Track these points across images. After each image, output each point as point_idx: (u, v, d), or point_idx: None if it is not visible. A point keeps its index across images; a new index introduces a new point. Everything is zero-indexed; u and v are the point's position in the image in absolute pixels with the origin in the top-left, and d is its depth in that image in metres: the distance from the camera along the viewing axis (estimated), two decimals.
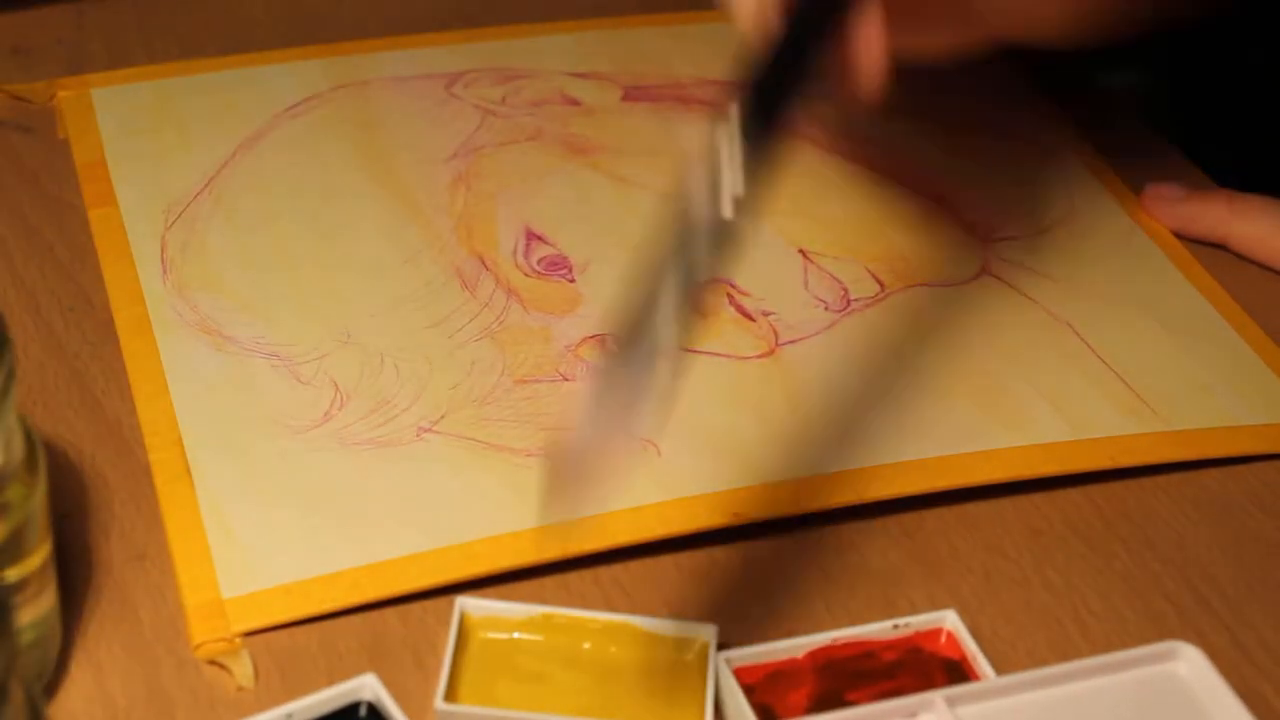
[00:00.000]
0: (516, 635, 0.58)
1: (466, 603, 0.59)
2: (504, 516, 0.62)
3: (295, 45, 0.86)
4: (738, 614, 0.61)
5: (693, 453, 0.65)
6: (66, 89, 0.81)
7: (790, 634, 0.60)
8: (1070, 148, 0.85)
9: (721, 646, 0.58)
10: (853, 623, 0.61)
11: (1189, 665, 0.58)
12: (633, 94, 0.85)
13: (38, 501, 0.53)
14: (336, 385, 0.67)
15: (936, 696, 0.56)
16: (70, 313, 0.70)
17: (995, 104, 0.87)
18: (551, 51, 0.87)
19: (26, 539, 0.53)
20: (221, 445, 0.64)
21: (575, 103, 0.84)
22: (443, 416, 0.66)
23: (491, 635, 0.58)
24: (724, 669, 0.57)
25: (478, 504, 0.62)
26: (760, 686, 0.57)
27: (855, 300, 0.74)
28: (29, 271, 0.72)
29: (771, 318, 0.72)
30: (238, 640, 0.58)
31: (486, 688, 0.57)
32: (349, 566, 0.60)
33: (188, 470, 0.63)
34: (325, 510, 0.62)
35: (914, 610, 0.62)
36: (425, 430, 0.65)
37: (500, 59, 0.86)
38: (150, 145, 0.78)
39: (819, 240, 0.76)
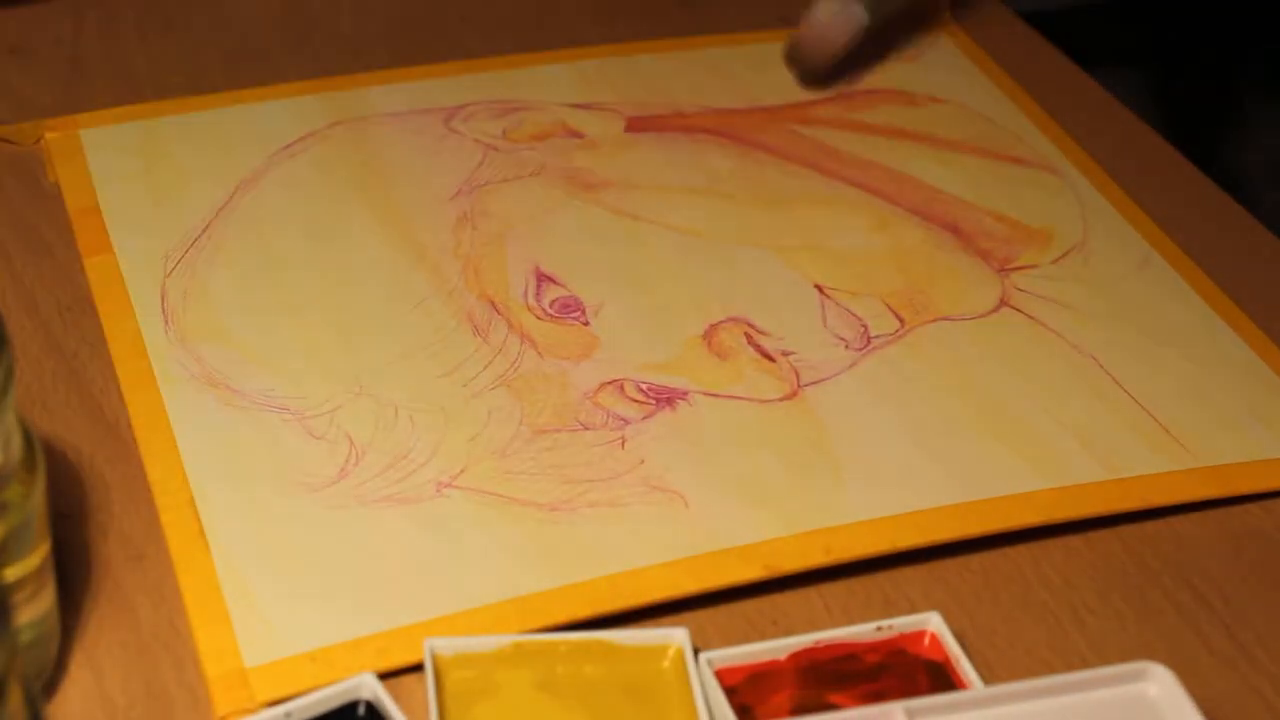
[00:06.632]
0: (490, 670, 0.57)
1: (436, 644, 0.57)
2: (530, 575, 0.60)
3: (293, 47, 0.85)
4: (735, 611, 0.61)
5: (720, 502, 0.64)
6: (54, 130, 0.79)
7: (789, 631, 0.59)
8: (1081, 170, 0.84)
9: (718, 645, 0.58)
10: (851, 620, 0.60)
11: (1159, 686, 0.57)
12: (636, 124, 0.83)
13: (36, 501, 0.53)
14: (351, 439, 0.65)
15: (896, 708, 0.54)
16: (68, 313, 0.69)
17: (1004, 127, 0.86)
18: (552, 82, 0.85)
19: (25, 539, 0.52)
20: (236, 505, 0.62)
21: (578, 135, 0.82)
22: (463, 470, 0.64)
23: (466, 673, 0.57)
24: (705, 670, 0.56)
25: (503, 562, 0.61)
26: (741, 688, 0.57)
27: (876, 337, 0.72)
28: (27, 271, 0.71)
29: (792, 358, 0.70)
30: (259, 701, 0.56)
31: None
32: (375, 631, 0.58)
33: (202, 532, 0.61)
34: (347, 571, 0.60)
35: (913, 608, 0.61)
36: (445, 485, 0.63)
37: (499, 90, 0.84)
38: (145, 189, 0.76)
39: (834, 275, 0.75)
